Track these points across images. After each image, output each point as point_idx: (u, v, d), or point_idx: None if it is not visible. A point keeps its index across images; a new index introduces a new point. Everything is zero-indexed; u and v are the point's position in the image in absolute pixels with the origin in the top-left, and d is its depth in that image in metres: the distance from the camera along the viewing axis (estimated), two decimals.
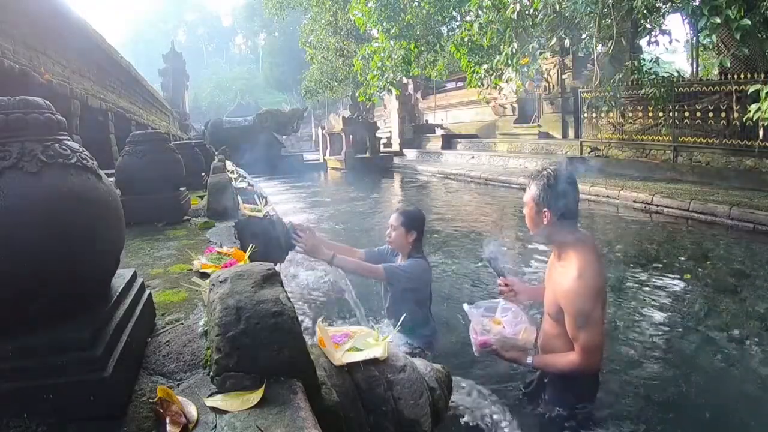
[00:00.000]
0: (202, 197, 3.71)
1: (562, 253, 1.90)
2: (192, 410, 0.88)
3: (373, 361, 1.24)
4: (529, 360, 1.91)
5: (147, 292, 1.24)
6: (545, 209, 1.82)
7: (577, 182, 1.88)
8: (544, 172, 1.86)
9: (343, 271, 2.68)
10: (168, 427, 0.83)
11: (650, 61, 9.92)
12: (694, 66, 10.97)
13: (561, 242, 1.88)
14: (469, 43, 10.38)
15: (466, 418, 1.83)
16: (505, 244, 5.35)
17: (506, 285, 2.18)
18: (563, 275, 1.83)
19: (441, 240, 6.07)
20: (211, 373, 0.95)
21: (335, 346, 1.24)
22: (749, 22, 6.43)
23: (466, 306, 2.02)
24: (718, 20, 6.57)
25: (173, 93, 23.76)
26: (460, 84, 18.92)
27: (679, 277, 4.30)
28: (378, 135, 18.13)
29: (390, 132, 20.72)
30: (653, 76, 9.19)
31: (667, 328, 3.29)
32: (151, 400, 0.91)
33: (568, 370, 1.85)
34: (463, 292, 4.11)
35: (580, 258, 1.80)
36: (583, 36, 8.76)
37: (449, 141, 17.26)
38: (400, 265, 2.66)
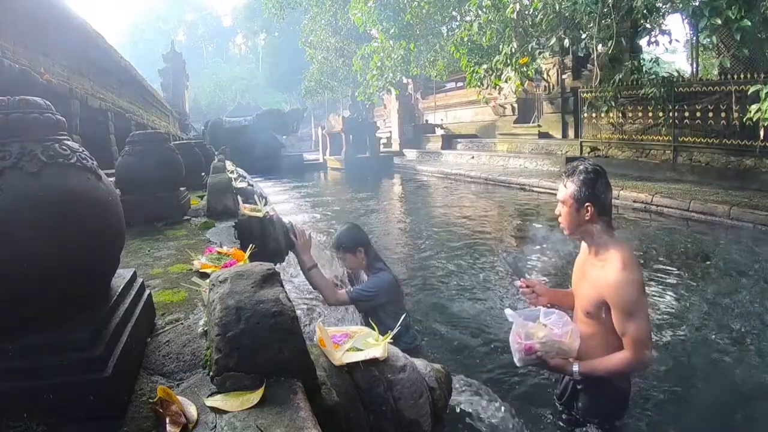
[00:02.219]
0: (202, 197, 3.71)
1: (600, 250, 1.84)
2: (192, 410, 0.88)
3: (373, 361, 1.24)
4: (575, 368, 1.80)
5: (147, 292, 1.24)
6: (588, 204, 1.78)
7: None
8: (580, 168, 1.82)
9: (312, 285, 2.67)
10: (168, 427, 0.83)
11: (650, 61, 9.94)
12: (694, 66, 10.93)
13: (601, 238, 1.83)
14: (469, 43, 10.40)
15: (466, 418, 1.82)
16: (522, 247, 5.34)
17: (527, 286, 2.08)
18: (604, 269, 1.79)
19: (442, 240, 6.06)
20: (211, 373, 0.95)
21: (335, 346, 1.24)
22: (749, 23, 6.44)
23: (508, 311, 1.89)
24: (719, 21, 6.59)
25: (173, 93, 23.70)
26: (460, 84, 18.90)
27: (679, 277, 4.30)
28: (378, 135, 18.13)
29: (390, 132, 20.71)
30: (653, 76, 9.19)
31: (666, 328, 3.28)
32: (151, 400, 0.91)
33: (621, 369, 1.78)
34: (471, 293, 4.11)
35: (621, 251, 1.77)
36: (583, 36, 8.75)
37: (449, 141, 17.24)
38: (364, 286, 2.64)
